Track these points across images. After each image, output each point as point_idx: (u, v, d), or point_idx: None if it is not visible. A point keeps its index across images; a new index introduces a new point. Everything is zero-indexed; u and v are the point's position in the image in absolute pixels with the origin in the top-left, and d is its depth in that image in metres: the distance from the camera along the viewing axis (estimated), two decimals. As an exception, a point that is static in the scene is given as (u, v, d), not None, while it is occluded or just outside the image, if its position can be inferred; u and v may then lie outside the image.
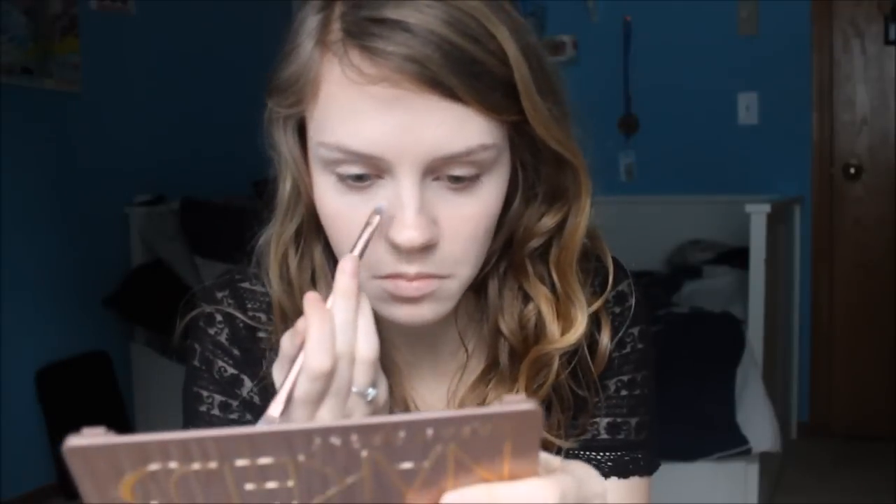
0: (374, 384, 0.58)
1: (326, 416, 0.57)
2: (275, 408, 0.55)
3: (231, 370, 0.76)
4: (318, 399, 0.56)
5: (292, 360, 0.56)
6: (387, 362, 0.69)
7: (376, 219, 0.61)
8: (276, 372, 0.59)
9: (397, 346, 0.76)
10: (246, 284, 0.78)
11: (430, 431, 0.39)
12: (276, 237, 0.72)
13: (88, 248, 3.43)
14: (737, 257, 3.39)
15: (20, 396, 3.13)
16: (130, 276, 3.52)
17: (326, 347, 0.55)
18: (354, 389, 0.57)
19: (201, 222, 3.50)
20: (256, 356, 0.76)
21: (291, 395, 0.55)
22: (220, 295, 0.78)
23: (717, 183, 3.93)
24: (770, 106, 3.88)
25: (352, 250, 0.60)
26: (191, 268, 3.47)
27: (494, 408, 0.39)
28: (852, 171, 3.76)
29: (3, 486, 3.01)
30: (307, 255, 0.72)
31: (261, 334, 0.76)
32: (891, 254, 3.69)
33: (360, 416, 0.58)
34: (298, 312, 0.59)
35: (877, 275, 3.72)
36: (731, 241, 3.63)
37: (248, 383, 0.76)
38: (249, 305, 0.77)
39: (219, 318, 0.77)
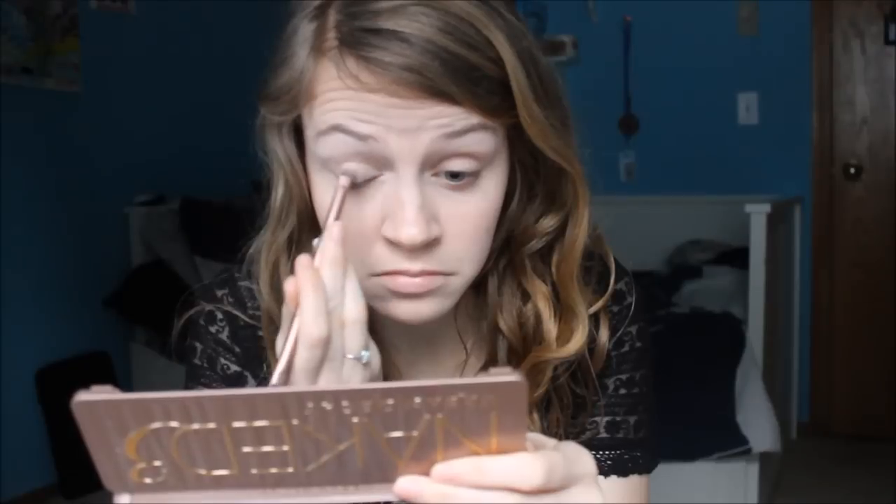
0: (365, 346, 0.58)
1: (326, 384, 0.57)
2: (276, 378, 0.55)
3: (234, 367, 0.76)
4: (318, 367, 0.56)
5: (289, 328, 0.57)
6: (386, 363, 0.69)
7: (346, 180, 0.60)
8: (279, 342, 0.59)
9: (396, 346, 0.75)
10: (245, 283, 0.77)
11: (417, 399, 0.40)
12: (267, 245, 0.72)
13: (88, 247, 3.43)
14: (737, 257, 3.39)
15: (20, 396, 3.12)
16: (130, 276, 3.52)
17: (322, 314, 0.55)
18: (350, 356, 0.57)
19: (201, 222, 3.50)
20: (257, 354, 0.76)
21: (291, 364, 0.56)
22: (219, 293, 0.78)
23: (717, 183, 3.93)
24: (770, 106, 3.88)
25: (327, 217, 0.59)
26: (191, 268, 3.48)
27: (480, 378, 0.40)
28: (852, 171, 3.76)
29: (3, 486, 3.01)
30: None
31: (261, 333, 0.76)
32: (891, 254, 3.69)
33: (356, 384, 0.58)
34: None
35: (877, 275, 3.72)
36: (731, 241, 3.63)
37: (251, 381, 0.76)
38: (249, 304, 0.77)
39: (219, 316, 0.77)
